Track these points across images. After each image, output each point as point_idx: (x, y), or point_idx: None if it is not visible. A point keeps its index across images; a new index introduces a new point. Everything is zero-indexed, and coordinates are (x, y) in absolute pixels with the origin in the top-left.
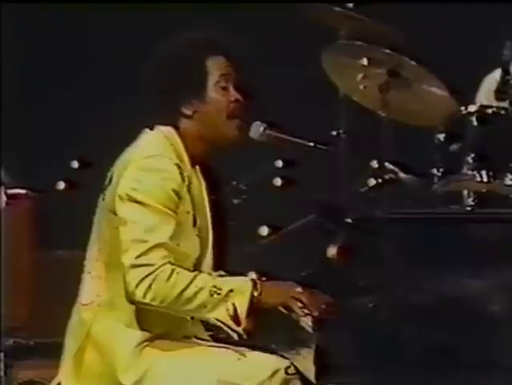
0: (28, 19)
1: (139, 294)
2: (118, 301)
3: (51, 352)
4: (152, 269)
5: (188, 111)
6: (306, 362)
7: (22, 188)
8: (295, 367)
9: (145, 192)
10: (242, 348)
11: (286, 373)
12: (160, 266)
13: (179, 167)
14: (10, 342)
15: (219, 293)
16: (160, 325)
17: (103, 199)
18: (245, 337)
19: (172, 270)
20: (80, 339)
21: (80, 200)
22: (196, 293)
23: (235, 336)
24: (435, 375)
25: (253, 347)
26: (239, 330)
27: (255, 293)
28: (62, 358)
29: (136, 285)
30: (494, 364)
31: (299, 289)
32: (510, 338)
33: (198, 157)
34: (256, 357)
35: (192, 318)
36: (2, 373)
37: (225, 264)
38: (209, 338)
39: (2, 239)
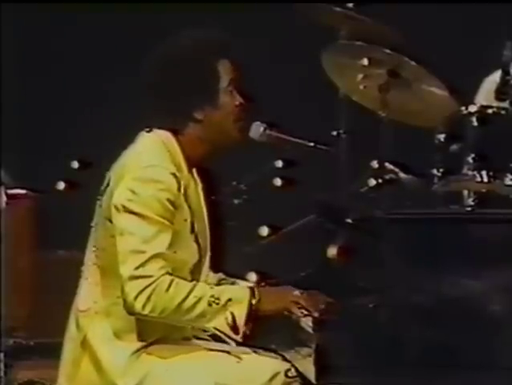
0: (28, 19)
1: (138, 306)
2: (114, 309)
3: (51, 352)
4: (150, 280)
5: (199, 116)
6: (306, 362)
7: (22, 188)
8: (296, 369)
9: (141, 204)
10: (242, 348)
11: (286, 376)
12: (158, 277)
13: (175, 176)
14: (10, 342)
15: (218, 303)
16: (159, 329)
17: (100, 205)
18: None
19: (171, 281)
20: (77, 345)
21: (80, 201)
22: (195, 304)
23: (233, 344)
24: (435, 376)
25: (252, 348)
26: (237, 338)
27: (253, 301)
28: (61, 364)
29: (135, 297)
30: (494, 364)
31: (297, 293)
32: (510, 338)
33: (196, 160)
34: (255, 360)
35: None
36: (2, 373)
37: (222, 265)
38: (208, 338)
39: (2, 239)
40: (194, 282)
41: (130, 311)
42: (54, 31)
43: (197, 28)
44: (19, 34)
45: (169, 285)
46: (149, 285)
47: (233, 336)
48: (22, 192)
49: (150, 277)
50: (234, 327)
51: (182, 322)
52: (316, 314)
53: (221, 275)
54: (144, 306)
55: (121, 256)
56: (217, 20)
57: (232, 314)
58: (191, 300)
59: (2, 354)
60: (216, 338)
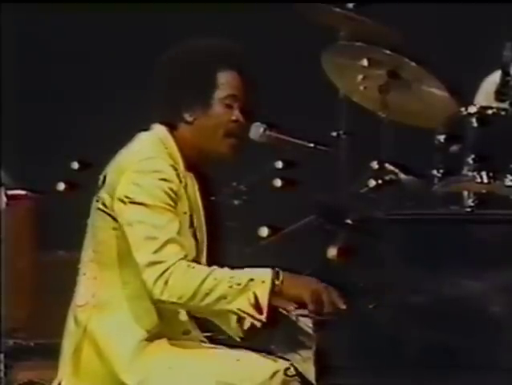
0: (28, 19)
1: (156, 292)
2: (114, 301)
3: (51, 353)
4: (166, 265)
5: (189, 118)
6: (306, 363)
7: (22, 189)
8: (295, 369)
9: (146, 194)
10: (242, 349)
11: (286, 375)
12: (174, 262)
13: (175, 168)
14: (10, 343)
15: (239, 284)
16: (159, 321)
17: (97, 201)
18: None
19: (188, 266)
20: (76, 340)
21: (80, 201)
22: (214, 286)
23: (259, 325)
24: (435, 376)
25: (252, 349)
26: (262, 318)
27: (276, 282)
28: (60, 360)
29: (153, 283)
30: (495, 365)
31: (321, 284)
32: (511, 339)
33: (192, 163)
34: (255, 358)
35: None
36: (2, 374)
37: (221, 266)
38: (206, 340)
39: (2, 240)
40: (213, 267)
41: (151, 298)
42: (54, 31)
43: (197, 28)
44: (19, 34)
45: (186, 270)
46: (166, 270)
47: (258, 316)
48: (22, 192)
49: (166, 262)
50: (258, 307)
51: (203, 306)
52: (330, 310)
53: None
54: (162, 292)
55: (134, 245)
56: (217, 20)
57: (254, 293)
58: (210, 282)
59: (2, 355)
60: (214, 341)
